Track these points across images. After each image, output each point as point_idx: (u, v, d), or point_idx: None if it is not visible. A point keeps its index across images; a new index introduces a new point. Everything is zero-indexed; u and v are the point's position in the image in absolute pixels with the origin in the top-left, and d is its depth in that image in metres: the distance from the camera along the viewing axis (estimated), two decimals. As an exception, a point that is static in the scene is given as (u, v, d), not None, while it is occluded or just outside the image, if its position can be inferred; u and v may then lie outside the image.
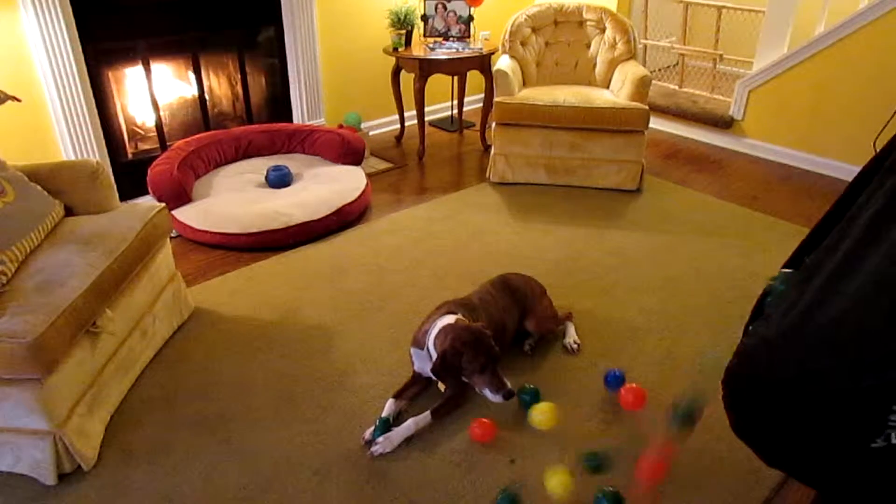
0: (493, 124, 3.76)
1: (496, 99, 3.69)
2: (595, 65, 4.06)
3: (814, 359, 1.01)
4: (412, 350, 2.16)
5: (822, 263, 1.06)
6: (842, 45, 3.76)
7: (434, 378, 2.06)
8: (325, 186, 3.41)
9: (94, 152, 3.37)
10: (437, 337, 2.03)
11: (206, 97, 3.96)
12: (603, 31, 4.02)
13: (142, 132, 3.83)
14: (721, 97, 4.68)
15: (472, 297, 2.30)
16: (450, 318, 2.07)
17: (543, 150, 3.71)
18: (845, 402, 0.98)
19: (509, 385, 1.93)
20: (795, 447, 1.09)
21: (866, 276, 0.96)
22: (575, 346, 2.40)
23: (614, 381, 2.25)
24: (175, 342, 2.46)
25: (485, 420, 1.99)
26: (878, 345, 0.94)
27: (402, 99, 4.51)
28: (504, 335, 2.27)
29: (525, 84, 3.99)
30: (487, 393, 1.93)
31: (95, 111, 3.36)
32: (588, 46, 4.08)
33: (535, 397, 2.09)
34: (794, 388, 1.03)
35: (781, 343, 1.06)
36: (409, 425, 1.99)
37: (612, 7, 4.38)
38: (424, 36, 4.43)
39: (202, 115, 3.97)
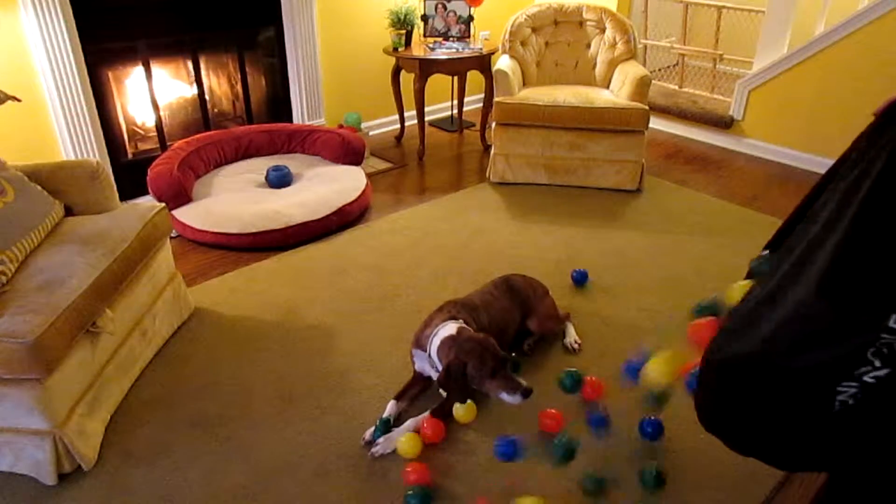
0: (493, 124, 3.76)
1: (496, 99, 3.69)
2: (595, 65, 4.06)
3: (760, 343, 1.06)
4: (413, 350, 2.16)
5: (782, 262, 1.12)
6: (842, 45, 3.76)
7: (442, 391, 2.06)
8: (325, 186, 3.41)
9: (94, 152, 3.37)
10: (440, 349, 2.01)
11: (206, 97, 3.96)
12: (603, 31, 4.02)
13: (142, 132, 3.83)
14: (721, 97, 4.68)
15: (474, 298, 2.30)
16: (452, 328, 2.03)
17: (543, 150, 3.72)
18: (793, 381, 1.02)
19: (524, 383, 1.88)
20: (756, 428, 1.13)
21: (811, 273, 1.01)
22: (576, 345, 2.40)
23: (580, 277, 2.81)
24: (175, 342, 2.46)
25: (435, 420, 1.98)
26: (815, 328, 0.99)
27: (402, 99, 4.51)
28: (504, 336, 2.27)
29: (525, 84, 3.99)
30: (504, 396, 1.89)
31: (95, 111, 3.36)
32: (588, 46, 4.08)
33: (516, 368, 2.21)
34: (743, 369, 1.08)
35: (733, 331, 1.13)
36: (408, 426, 1.99)
37: (612, 7, 4.38)
38: (424, 36, 4.43)
39: (202, 115, 3.97)
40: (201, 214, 3.16)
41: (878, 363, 0.93)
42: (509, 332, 2.32)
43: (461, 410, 2.00)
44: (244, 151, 3.74)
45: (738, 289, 1.44)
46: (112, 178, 2.47)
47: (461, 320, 2.09)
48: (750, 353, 1.08)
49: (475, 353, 1.91)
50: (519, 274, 2.53)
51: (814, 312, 0.99)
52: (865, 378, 0.95)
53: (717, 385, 1.16)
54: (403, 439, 1.92)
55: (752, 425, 1.12)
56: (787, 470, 1.21)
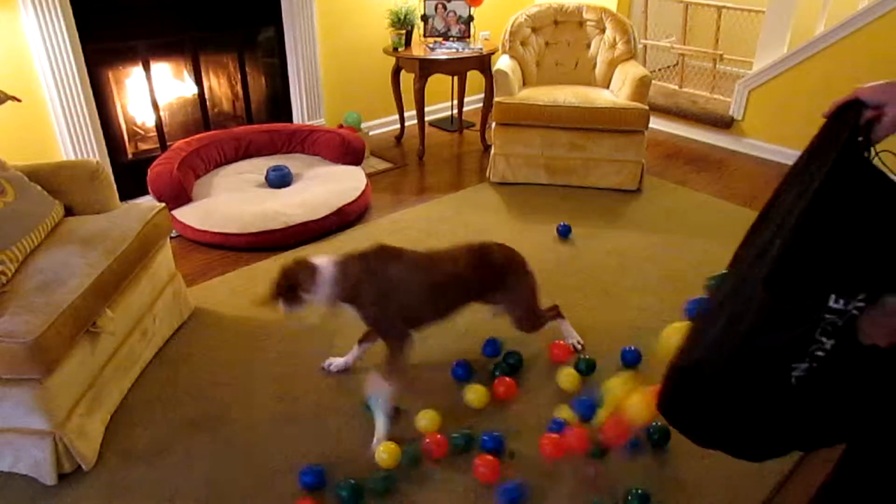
0: (493, 124, 3.76)
1: (496, 99, 3.69)
2: (595, 65, 4.06)
3: (720, 332, 1.14)
4: None
5: (747, 258, 1.21)
6: (842, 45, 3.77)
7: None
8: (325, 186, 3.41)
9: (94, 152, 3.37)
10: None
11: (206, 97, 3.96)
12: (603, 31, 4.02)
13: (142, 132, 3.83)
14: (721, 97, 4.68)
15: (422, 256, 2.10)
16: (322, 260, 2.05)
17: (543, 150, 3.71)
18: (750, 364, 1.10)
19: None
20: (719, 416, 1.18)
21: (761, 269, 1.09)
22: (579, 346, 2.40)
23: (564, 230, 3.14)
24: (175, 342, 2.46)
25: (438, 436, 1.94)
26: (764, 318, 1.07)
27: (402, 99, 4.51)
28: (422, 322, 2.16)
29: (525, 84, 3.99)
30: None
31: (95, 111, 3.36)
32: (588, 46, 4.08)
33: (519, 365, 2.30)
34: (705, 359, 1.15)
35: (703, 330, 1.20)
36: (384, 421, 1.96)
37: (612, 7, 4.38)
38: (424, 36, 4.43)
39: (202, 115, 3.97)
40: (201, 214, 3.16)
41: (825, 339, 1.02)
42: (454, 308, 2.16)
43: (472, 394, 2.08)
44: (244, 151, 3.74)
45: (673, 330, 1.60)
46: (112, 178, 2.47)
47: (338, 268, 2.03)
48: (711, 342, 1.15)
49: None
50: (506, 246, 2.23)
51: (763, 305, 1.06)
52: (816, 353, 1.03)
53: (685, 381, 1.21)
54: (382, 448, 1.89)
55: (716, 414, 1.18)
56: (749, 459, 1.26)
